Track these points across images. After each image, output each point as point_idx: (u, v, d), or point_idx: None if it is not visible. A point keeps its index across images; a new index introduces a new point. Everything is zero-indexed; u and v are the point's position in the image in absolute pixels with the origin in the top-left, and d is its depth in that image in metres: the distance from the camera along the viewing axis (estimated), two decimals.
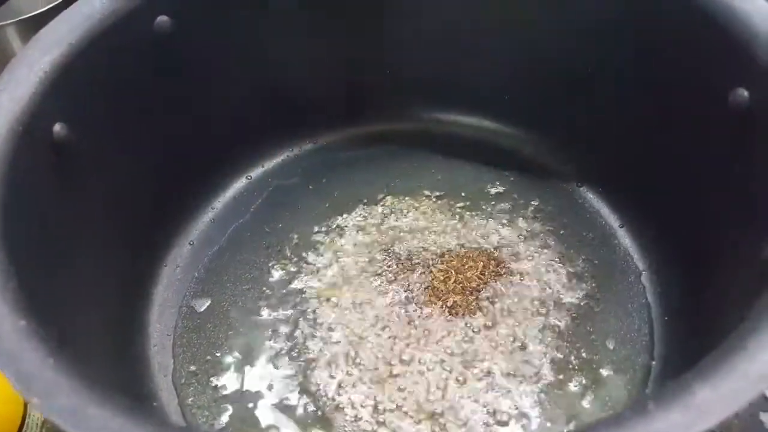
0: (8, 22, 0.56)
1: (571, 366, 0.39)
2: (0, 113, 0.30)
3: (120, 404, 0.22)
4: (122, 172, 0.40)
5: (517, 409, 0.37)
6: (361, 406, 0.38)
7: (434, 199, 0.48)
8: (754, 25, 0.34)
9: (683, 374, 0.22)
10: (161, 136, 0.42)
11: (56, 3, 0.58)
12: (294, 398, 0.38)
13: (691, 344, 0.37)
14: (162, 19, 0.38)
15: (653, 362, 0.39)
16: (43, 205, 0.33)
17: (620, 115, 0.44)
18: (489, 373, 0.38)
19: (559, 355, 0.39)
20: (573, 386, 0.38)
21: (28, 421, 0.38)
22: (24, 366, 0.23)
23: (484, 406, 0.37)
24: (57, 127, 0.33)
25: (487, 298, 0.41)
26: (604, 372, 0.38)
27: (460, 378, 0.38)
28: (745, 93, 0.34)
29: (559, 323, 0.41)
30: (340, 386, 0.38)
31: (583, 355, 0.39)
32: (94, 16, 0.35)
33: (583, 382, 0.38)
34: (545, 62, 0.46)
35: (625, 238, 0.45)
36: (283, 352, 0.40)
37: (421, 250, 0.44)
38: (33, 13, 0.57)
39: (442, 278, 0.42)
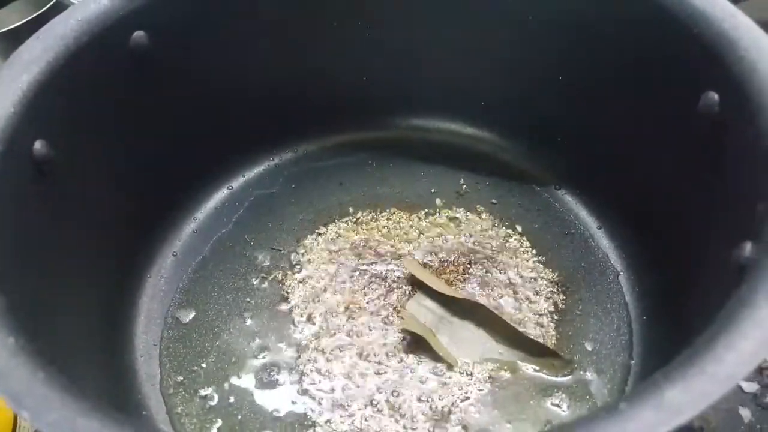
0: None
1: (551, 366, 0.39)
2: None
3: (109, 415, 0.23)
4: (104, 186, 0.40)
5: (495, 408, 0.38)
6: (349, 411, 0.38)
7: (413, 206, 0.48)
8: (722, 28, 0.35)
9: (654, 375, 0.22)
10: (142, 149, 0.42)
11: (32, 17, 0.58)
12: (282, 406, 0.39)
13: (669, 343, 0.37)
14: (138, 34, 0.38)
15: (632, 361, 0.39)
16: (26, 222, 0.33)
17: (596, 118, 0.45)
18: (470, 374, 0.39)
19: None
20: (553, 386, 0.39)
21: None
22: (13, 382, 0.23)
23: (460, 404, 0.38)
24: (37, 145, 0.33)
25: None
26: (584, 372, 0.39)
27: (441, 376, 0.39)
28: (715, 96, 0.35)
29: (538, 325, 0.41)
30: (329, 391, 0.39)
31: (563, 355, 0.40)
32: (70, 34, 0.35)
33: (564, 382, 0.39)
34: (521, 67, 0.47)
35: (603, 240, 0.46)
36: (269, 361, 0.40)
37: (405, 254, 0.45)
38: (9, 27, 0.57)
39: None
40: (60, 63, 0.34)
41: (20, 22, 0.58)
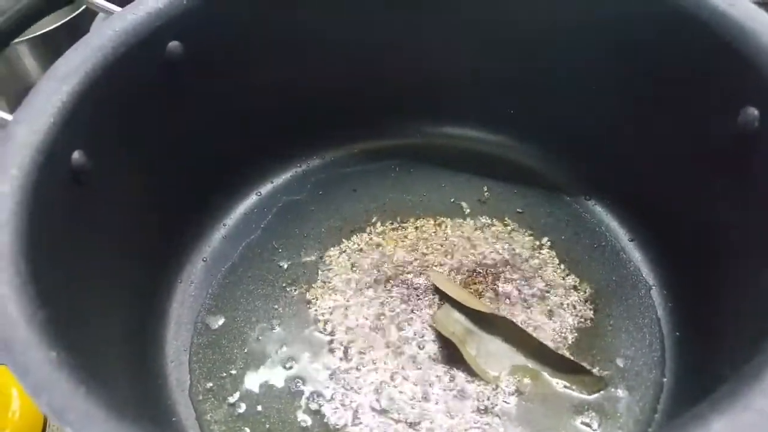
0: (19, 40, 0.56)
1: (582, 383, 0.39)
2: (22, 144, 0.30)
3: (148, 430, 0.23)
4: (137, 194, 0.40)
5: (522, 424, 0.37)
6: (378, 423, 0.38)
7: (440, 215, 0.48)
8: (763, 42, 0.34)
9: (698, 405, 0.22)
10: (174, 157, 0.42)
11: (65, 21, 0.59)
12: (310, 417, 0.39)
13: (702, 361, 0.37)
14: (173, 44, 0.38)
15: (665, 379, 0.39)
16: (63, 231, 0.33)
17: (630, 129, 0.45)
18: (496, 388, 0.39)
19: None
20: (583, 403, 0.38)
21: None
22: (57, 397, 0.24)
23: (486, 418, 0.38)
24: (75, 155, 0.33)
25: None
26: (615, 389, 0.39)
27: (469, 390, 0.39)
28: (755, 112, 0.34)
29: (569, 339, 0.41)
30: (357, 402, 0.39)
31: (594, 371, 0.39)
32: (108, 44, 0.35)
33: (594, 399, 0.38)
34: (554, 77, 0.46)
35: (635, 252, 0.45)
36: (297, 370, 0.41)
37: (431, 265, 0.45)
38: (42, 31, 0.58)
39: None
40: (98, 74, 0.35)
41: (52, 27, 0.59)
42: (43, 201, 0.31)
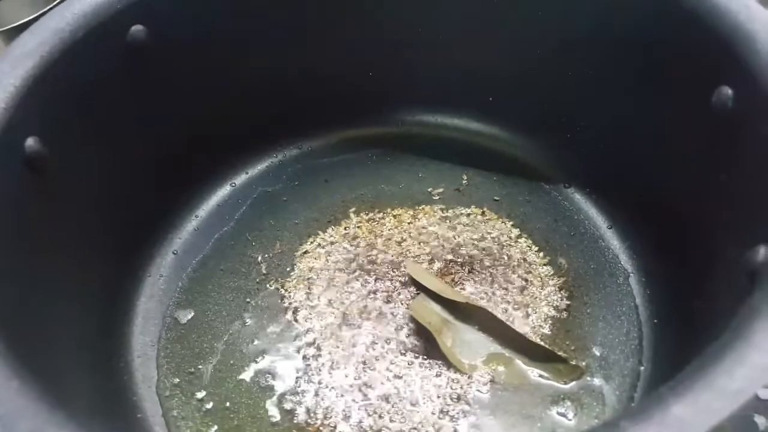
0: None
1: (557, 371, 0.38)
2: None
3: (84, 425, 0.22)
4: (101, 183, 0.39)
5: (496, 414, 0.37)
6: (349, 416, 0.37)
7: (420, 203, 0.47)
8: (737, 20, 0.33)
9: (660, 388, 0.21)
10: (140, 145, 0.41)
11: (41, 12, 0.58)
12: (280, 412, 0.38)
13: (680, 349, 0.36)
14: (136, 28, 0.37)
15: (642, 367, 0.38)
16: (18, 220, 0.32)
17: (607, 114, 0.44)
18: (470, 377, 0.38)
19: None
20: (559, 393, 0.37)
21: None
22: None
23: (459, 408, 0.37)
24: (29, 141, 0.32)
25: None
26: (592, 378, 0.38)
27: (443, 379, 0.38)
28: (729, 91, 0.33)
29: (545, 327, 0.40)
30: (328, 397, 0.38)
31: (573, 361, 0.38)
32: (65, 28, 0.34)
33: (570, 388, 0.37)
34: (531, 63, 0.45)
35: (613, 240, 0.44)
36: (268, 365, 0.40)
37: (408, 255, 0.44)
38: (20, 22, 0.57)
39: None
40: (54, 58, 0.34)
41: (29, 18, 0.57)
42: None
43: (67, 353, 0.33)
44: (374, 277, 0.43)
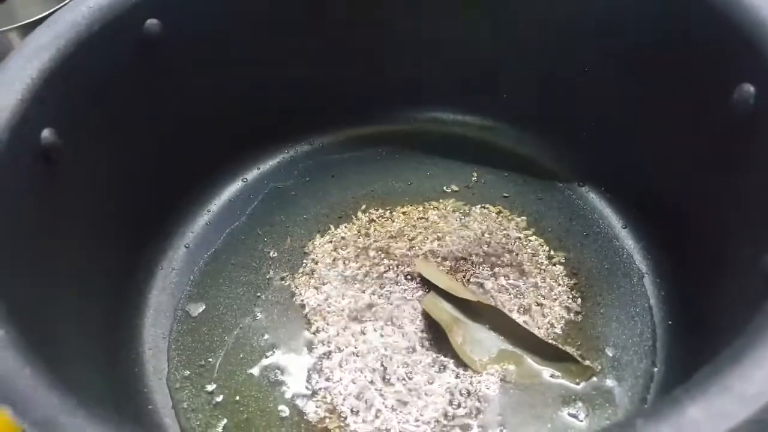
0: (9, 27, 0.56)
1: (569, 371, 0.38)
2: None
3: (94, 412, 0.22)
4: (114, 176, 0.39)
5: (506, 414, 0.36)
6: (358, 412, 0.37)
7: (430, 200, 0.47)
8: (761, 16, 0.33)
9: (675, 389, 0.21)
10: (154, 138, 0.42)
11: (56, 8, 0.58)
12: (290, 407, 0.38)
13: (694, 350, 0.36)
14: (151, 22, 0.37)
15: (655, 369, 0.37)
16: (33, 210, 0.32)
17: (623, 113, 0.43)
18: (481, 376, 0.37)
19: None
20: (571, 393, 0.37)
21: None
22: None
23: (470, 405, 0.36)
24: (45, 133, 0.33)
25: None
26: (604, 379, 0.37)
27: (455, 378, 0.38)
28: (751, 88, 0.33)
29: (557, 327, 0.40)
30: (338, 393, 0.38)
31: (585, 361, 0.38)
32: (81, 21, 0.34)
33: (582, 389, 0.37)
34: (544, 59, 0.45)
35: (628, 240, 0.44)
36: (278, 359, 0.40)
37: (418, 252, 0.44)
38: (33, 18, 0.57)
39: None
40: (70, 51, 0.34)
41: (42, 14, 0.58)
42: (10, 179, 0.30)
43: (78, 343, 0.33)
44: (385, 273, 0.43)
